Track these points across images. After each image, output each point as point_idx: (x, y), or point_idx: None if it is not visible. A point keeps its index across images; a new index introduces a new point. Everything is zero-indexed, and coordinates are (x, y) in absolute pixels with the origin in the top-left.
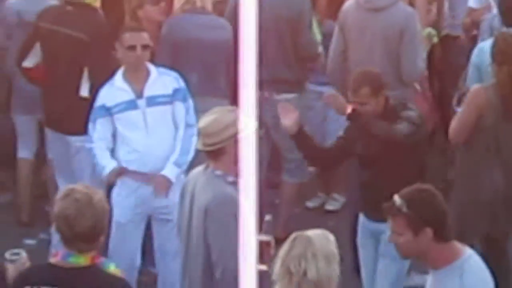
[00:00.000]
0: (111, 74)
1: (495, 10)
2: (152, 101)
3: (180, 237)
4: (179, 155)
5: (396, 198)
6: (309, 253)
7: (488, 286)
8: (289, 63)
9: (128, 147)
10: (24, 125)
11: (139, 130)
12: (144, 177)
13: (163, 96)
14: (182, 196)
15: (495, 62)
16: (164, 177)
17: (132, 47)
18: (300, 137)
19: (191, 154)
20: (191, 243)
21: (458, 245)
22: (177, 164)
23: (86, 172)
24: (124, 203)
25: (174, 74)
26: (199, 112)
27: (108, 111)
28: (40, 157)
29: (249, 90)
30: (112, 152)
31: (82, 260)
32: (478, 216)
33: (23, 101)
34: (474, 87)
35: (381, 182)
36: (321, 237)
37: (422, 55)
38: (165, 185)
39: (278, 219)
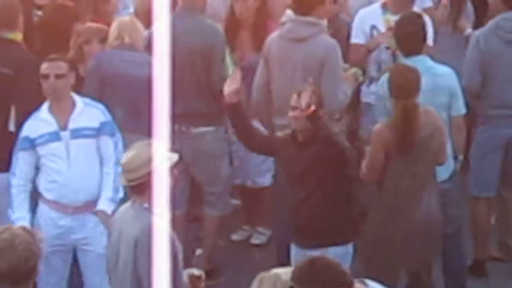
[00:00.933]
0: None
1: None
2: (77, 134)
3: (108, 270)
4: (113, 192)
5: None
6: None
7: None
8: (204, 96)
9: (49, 176)
10: None
11: (61, 161)
12: (64, 208)
13: (88, 129)
14: (110, 232)
15: (392, 97)
16: (104, 212)
17: (46, 76)
18: (236, 109)
19: (121, 192)
20: (120, 275)
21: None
22: (113, 200)
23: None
24: (45, 234)
25: (101, 107)
26: (125, 147)
27: (31, 142)
28: None
29: (163, 123)
30: (34, 180)
31: None
32: (394, 251)
33: None
34: (376, 126)
35: (312, 204)
36: (287, 273)
37: (344, 87)
38: (108, 218)
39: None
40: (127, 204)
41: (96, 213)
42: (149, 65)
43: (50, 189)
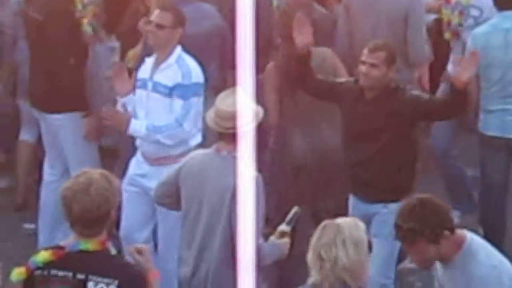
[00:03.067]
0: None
1: None
2: (156, 87)
3: (183, 215)
4: (156, 128)
5: (406, 225)
6: (339, 240)
7: (495, 253)
8: None
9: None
10: (27, 108)
11: (142, 109)
12: (143, 155)
13: (163, 86)
14: (184, 178)
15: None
16: (124, 117)
17: (149, 22)
18: (305, 59)
19: (156, 139)
20: (204, 223)
21: (457, 230)
22: (147, 128)
23: (68, 150)
24: (130, 172)
25: (186, 67)
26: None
27: (136, 83)
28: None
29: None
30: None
31: (90, 246)
32: None
33: (23, 86)
34: (268, 65)
35: (380, 160)
36: (350, 224)
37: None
38: (124, 122)
39: None
40: (207, 152)
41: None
42: (211, 18)
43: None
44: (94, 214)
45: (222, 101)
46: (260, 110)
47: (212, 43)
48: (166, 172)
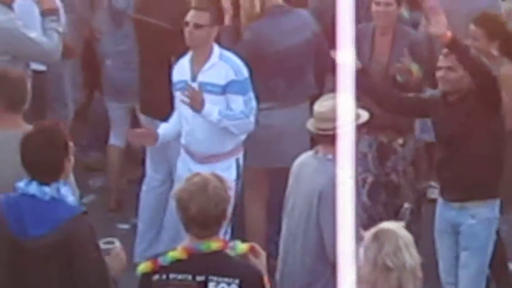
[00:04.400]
0: None
1: None
2: (203, 88)
3: (284, 217)
4: (227, 115)
5: None
6: (402, 244)
7: None
8: None
9: (182, 122)
10: (116, 112)
11: (188, 110)
12: (191, 155)
13: (215, 85)
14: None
15: None
16: (201, 97)
17: (186, 23)
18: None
19: (229, 130)
20: (295, 221)
21: None
22: (219, 113)
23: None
24: (179, 174)
25: (236, 64)
26: (288, 120)
27: (174, 85)
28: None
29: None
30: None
31: (212, 246)
32: None
33: (114, 89)
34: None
35: (460, 160)
36: (400, 227)
37: None
38: (200, 102)
39: None
40: (308, 154)
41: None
42: (308, 25)
43: (183, 134)
44: (212, 213)
45: (320, 104)
46: (363, 113)
47: (310, 51)
48: (219, 168)
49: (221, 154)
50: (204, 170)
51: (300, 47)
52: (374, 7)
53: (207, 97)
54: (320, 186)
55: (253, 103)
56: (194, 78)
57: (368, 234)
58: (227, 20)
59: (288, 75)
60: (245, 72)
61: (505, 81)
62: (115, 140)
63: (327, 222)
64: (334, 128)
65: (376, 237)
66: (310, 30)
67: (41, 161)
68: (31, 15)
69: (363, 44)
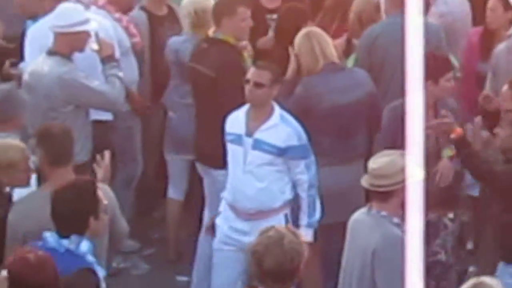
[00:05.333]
0: None
1: None
2: (258, 145)
3: (342, 274)
4: (309, 217)
5: None
6: None
7: None
8: None
9: (229, 176)
10: (176, 165)
11: (238, 166)
12: (237, 212)
13: (272, 146)
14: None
15: None
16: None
17: (247, 81)
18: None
19: (318, 213)
20: (355, 281)
21: None
22: (309, 225)
23: None
24: (220, 232)
25: (297, 128)
26: (338, 177)
27: (226, 135)
28: (190, 196)
29: (417, 137)
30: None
31: None
32: None
33: (176, 142)
34: None
35: None
36: (498, 284)
37: None
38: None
39: None
40: (362, 211)
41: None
42: (363, 85)
43: (229, 189)
44: (287, 267)
45: (374, 161)
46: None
47: (362, 110)
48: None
49: (270, 210)
50: (252, 227)
51: (351, 105)
52: None
53: (260, 156)
54: (374, 243)
55: (314, 167)
56: (249, 134)
57: (466, 285)
58: (289, 73)
59: (337, 132)
60: (304, 136)
61: None
62: (174, 193)
63: (383, 280)
64: (390, 185)
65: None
66: (364, 90)
67: (65, 214)
68: (91, 64)
69: None
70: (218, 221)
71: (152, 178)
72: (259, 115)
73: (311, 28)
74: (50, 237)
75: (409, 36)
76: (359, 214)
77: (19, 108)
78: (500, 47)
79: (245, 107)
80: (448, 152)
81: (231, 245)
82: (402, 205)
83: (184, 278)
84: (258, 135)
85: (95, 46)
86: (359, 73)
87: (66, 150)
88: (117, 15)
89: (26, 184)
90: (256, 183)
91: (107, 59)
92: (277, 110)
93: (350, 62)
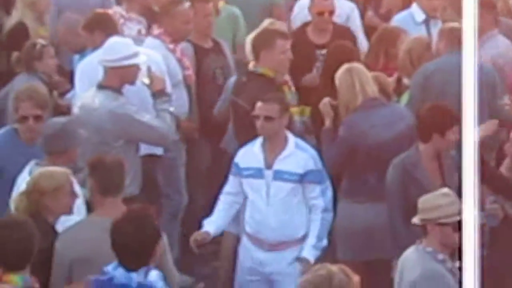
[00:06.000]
0: None
1: None
2: (279, 175)
3: None
4: (317, 240)
5: None
6: None
7: None
8: None
9: (250, 209)
10: None
11: (261, 198)
12: (260, 243)
13: (292, 173)
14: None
15: None
16: (306, 259)
17: (256, 116)
18: None
19: (326, 240)
20: None
21: None
22: (316, 247)
23: None
24: (242, 264)
25: (312, 153)
26: (378, 214)
27: (239, 171)
28: None
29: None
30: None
31: None
32: None
33: None
34: None
35: None
36: None
37: None
38: (309, 266)
39: None
40: (411, 248)
41: (299, 259)
42: (402, 118)
43: (250, 222)
44: None
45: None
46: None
47: (404, 144)
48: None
49: (293, 240)
50: (275, 257)
51: (393, 141)
52: None
53: (282, 186)
54: (415, 276)
55: (330, 192)
56: (269, 166)
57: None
58: (327, 123)
59: (381, 169)
60: (320, 161)
61: None
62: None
63: None
64: (433, 219)
65: None
66: (405, 124)
67: (130, 247)
68: (142, 98)
69: None
70: (241, 252)
71: (199, 211)
72: (274, 147)
73: (353, 64)
74: (115, 271)
75: (464, 76)
76: (408, 252)
77: (73, 142)
78: None
79: (258, 141)
80: None
81: (256, 275)
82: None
83: None
84: (277, 166)
85: (146, 80)
86: (398, 107)
87: (118, 181)
88: (172, 46)
89: (70, 210)
90: (280, 214)
91: (158, 93)
92: (291, 138)
93: (403, 100)
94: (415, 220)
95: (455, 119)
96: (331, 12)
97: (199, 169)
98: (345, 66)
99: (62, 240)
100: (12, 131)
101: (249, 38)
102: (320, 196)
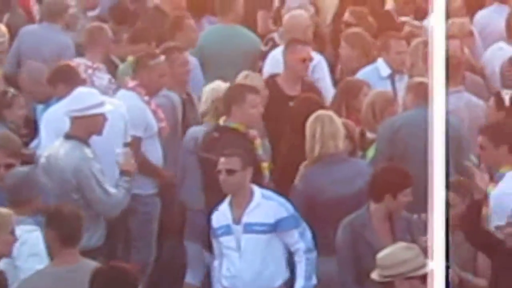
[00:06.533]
0: None
1: None
2: (249, 228)
3: None
4: (305, 280)
5: None
6: None
7: None
8: None
9: (226, 264)
10: (194, 253)
11: (234, 253)
12: None
13: (262, 224)
14: None
15: None
16: None
17: (219, 171)
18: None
19: (314, 279)
20: None
21: None
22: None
23: None
24: None
25: (281, 201)
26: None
27: (214, 231)
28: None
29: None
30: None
31: None
32: None
33: (195, 230)
34: None
35: None
36: None
37: None
38: None
39: None
40: None
41: None
42: (363, 175)
43: (226, 276)
44: None
45: (383, 252)
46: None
47: (363, 200)
48: None
49: None
50: None
51: (352, 197)
52: None
53: (256, 237)
54: None
55: (308, 233)
56: (237, 221)
57: None
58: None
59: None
60: (291, 206)
61: None
62: (192, 278)
63: None
64: (391, 276)
65: None
66: (363, 181)
67: None
68: (107, 149)
69: None
70: None
71: (168, 263)
72: (241, 201)
73: (323, 112)
74: None
75: (432, 131)
76: None
77: (36, 191)
78: None
79: (226, 199)
80: None
81: None
82: None
83: None
84: (246, 219)
85: (120, 158)
86: (358, 163)
87: (75, 231)
88: (146, 98)
89: (9, 253)
90: (254, 267)
91: (125, 173)
92: (257, 190)
93: (370, 154)
94: (375, 276)
95: (409, 182)
96: (311, 60)
97: (170, 222)
98: (314, 114)
99: None
100: None
101: (205, 90)
102: (300, 239)
